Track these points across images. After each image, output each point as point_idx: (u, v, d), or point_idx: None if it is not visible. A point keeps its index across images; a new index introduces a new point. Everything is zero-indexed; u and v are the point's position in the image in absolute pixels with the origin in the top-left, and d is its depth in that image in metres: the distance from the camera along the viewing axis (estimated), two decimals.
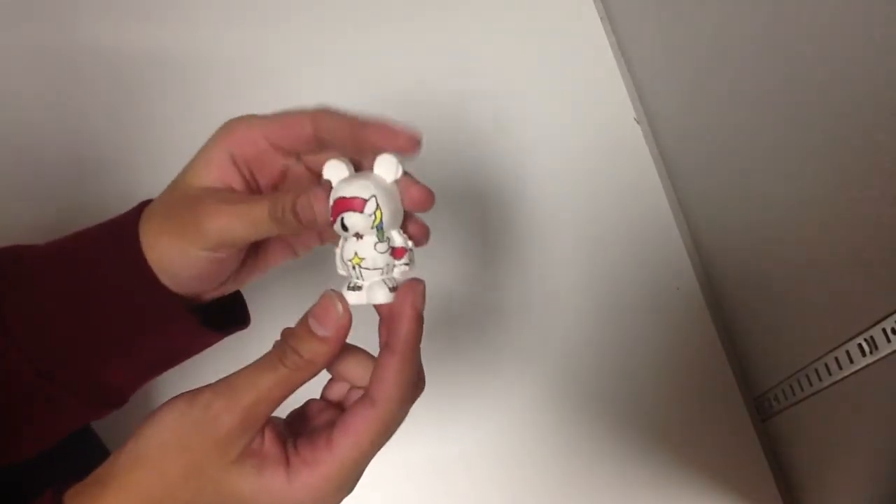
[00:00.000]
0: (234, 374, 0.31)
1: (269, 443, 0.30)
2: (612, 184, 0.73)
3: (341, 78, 0.74)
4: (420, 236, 0.34)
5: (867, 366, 0.50)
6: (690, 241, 0.73)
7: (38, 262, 0.36)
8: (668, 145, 0.75)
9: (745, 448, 0.65)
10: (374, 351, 0.33)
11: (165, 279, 0.34)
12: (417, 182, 0.32)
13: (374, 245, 0.31)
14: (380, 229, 0.31)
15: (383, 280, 0.31)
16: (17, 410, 0.35)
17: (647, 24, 0.75)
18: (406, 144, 0.31)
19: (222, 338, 0.39)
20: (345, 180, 0.31)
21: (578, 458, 0.64)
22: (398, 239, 0.32)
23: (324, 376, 0.35)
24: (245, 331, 0.40)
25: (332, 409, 0.35)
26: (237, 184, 0.34)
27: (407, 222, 0.33)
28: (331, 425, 0.31)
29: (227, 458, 0.30)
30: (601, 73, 0.78)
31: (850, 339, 0.51)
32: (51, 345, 0.35)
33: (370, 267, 0.31)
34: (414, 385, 0.32)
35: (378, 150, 0.32)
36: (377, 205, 0.30)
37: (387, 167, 0.32)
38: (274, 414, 0.31)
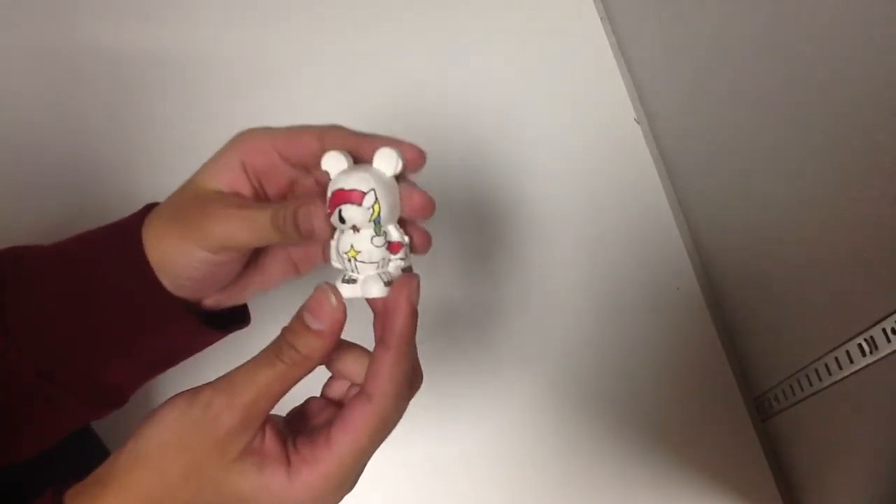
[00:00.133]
0: (232, 371, 0.31)
1: (269, 441, 0.30)
2: (612, 184, 0.73)
3: (341, 78, 0.74)
4: (422, 244, 0.34)
5: (867, 366, 0.50)
6: (690, 241, 0.73)
7: (37, 262, 0.36)
8: (668, 145, 0.75)
9: (745, 448, 0.65)
10: (372, 347, 0.33)
11: (164, 280, 0.34)
12: (418, 189, 0.33)
13: (371, 238, 0.31)
14: (377, 223, 0.31)
15: (378, 274, 0.31)
16: (17, 410, 0.35)
17: (647, 24, 0.75)
18: (411, 160, 0.32)
19: (222, 337, 0.39)
20: (344, 172, 0.31)
21: (578, 458, 0.64)
22: (395, 233, 0.32)
23: (325, 375, 0.35)
24: (245, 330, 0.40)
25: (332, 408, 0.35)
26: (245, 191, 0.34)
27: (408, 228, 0.33)
28: (330, 423, 0.31)
29: (228, 457, 0.30)
30: (601, 73, 0.78)
31: (850, 339, 0.51)
32: (51, 345, 0.35)
33: (366, 260, 0.31)
34: (410, 379, 0.32)
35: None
36: (376, 198, 0.30)
37: (386, 161, 0.32)
38: (273, 412, 0.31)
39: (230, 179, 0.34)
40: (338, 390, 0.35)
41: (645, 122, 0.77)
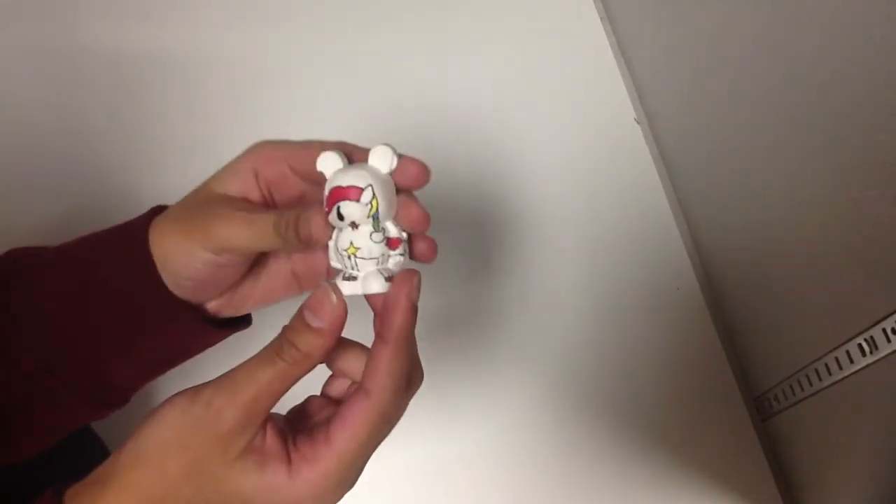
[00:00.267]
0: (233, 369, 0.31)
1: (270, 439, 0.30)
2: (612, 184, 0.73)
3: (341, 78, 0.74)
4: (428, 252, 0.34)
5: (867, 366, 0.50)
6: (690, 241, 0.73)
7: (38, 263, 0.36)
8: (668, 145, 0.75)
9: (745, 448, 0.65)
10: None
11: (165, 279, 0.34)
12: (417, 202, 0.33)
13: (370, 234, 0.31)
14: (376, 219, 0.31)
15: (379, 270, 0.31)
16: (18, 409, 0.35)
17: (647, 24, 0.75)
18: (416, 176, 0.32)
19: (224, 338, 0.39)
20: (341, 170, 0.31)
21: (578, 458, 0.64)
22: (393, 229, 0.32)
23: (325, 373, 0.35)
24: (246, 331, 0.40)
25: (333, 406, 0.35)
26: (255, 198, 0.35)
27: (415, 240, 0.33)
28: (330, 421, 0.31)
29: (230, 456, 0.30)
30: (601, 73, 0.78)
31: (850, 339, 0.51)
32: (51, 344, 0.35)
33: (366, 256, 0.31)
34: (409, 376, 0.32)
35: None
36: (373, 194, 0.30)
37: (381, 158, 0.32)
38: (273, 410, 0.31)
39: (241, 186, 0.34)
40: (338, 389, 0.35)
41: (645, 122, 0.77)
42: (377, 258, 0.31)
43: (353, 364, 0.34)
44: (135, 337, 0.36)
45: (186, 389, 0.31)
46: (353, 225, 0.31)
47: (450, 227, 0.69)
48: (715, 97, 0.64)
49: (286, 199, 0.36)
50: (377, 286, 0.31)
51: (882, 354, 0.49)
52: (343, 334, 0.31)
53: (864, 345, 0.50)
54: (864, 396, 0.52)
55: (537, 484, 0.63)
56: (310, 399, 0.35)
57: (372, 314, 0.33)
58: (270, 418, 0.31)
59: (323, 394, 0.36)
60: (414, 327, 0.31)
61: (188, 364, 0.39)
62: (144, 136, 0.69)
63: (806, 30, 0.50)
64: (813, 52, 0.49)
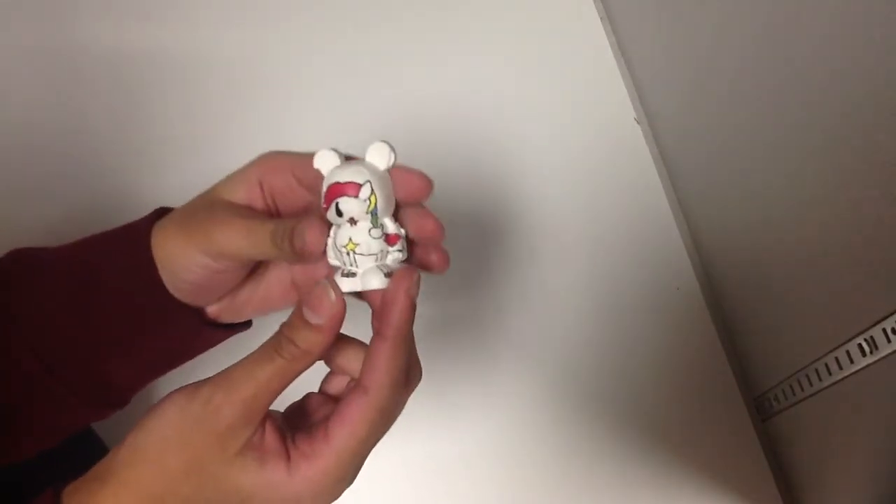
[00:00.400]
0: (231, 366, 0.31)
1: (269, 436, 0.30)
2: (612, 184, 0.73)
3: (341, 78, 0.74)
4: (441, 264, 0.34)
5: (867, 366, 0.50)
6: (690, 241, 0.73)
7: (37, 263, 0.36)
8: (668, 145, 0.75)
9: (745, 448, 0.65)
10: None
11: (165, 281, 0.35)
12: (430, 214, 0.33)
13: (369, 231, 0.31)
14: (374, 215, 0.31)
15: (378, 266, 0.31)
16: (19, 409, 0.35)
17: (647, 24, 0.75)
18: (419, 188, 0.32)
19: (224, 339, 0.39)
20: (339, 167, 0.31)
21: (578, 458, 0.64)
22: (391, 226, 0.32)
23: (323, 370, 0.35)
24: (246, 331, 0.40)
25: (331, 403, 0.35)
26: (258, 206, 0.35)
27: (429, 251, 0.33)
28: (328, 418, 0.31)
29: (229, 453, 0.30)
30: (601, 73, 0.78)
31: (850, 339, 0.51)
32: (51, 344, 0.35)
33: (365, 252, 0.31)
34: (407, 372, 0.32)
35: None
36: (372, 189, 0.30)
37: (379, 154, 0.32)
38: (272, 407, 0.31)
39: (245, 194, 0.35)
40: (337, 386, 0.35)
41: (645, 122, 0.77)
42: (376, 254, 0.31)
43: (351, 361, 0.34)
44: (135, 337, 0.36)
45: (185, 386, 0.31)
46: (352, 221, 0.31)
47: (450, 226, 0.69)
48: (715, 97, 0.64)
49: (290, 210, 0.36)
50: (376, 282, 0.31)
51: (882, 354, 0.49)
52: (341, 331, 0.31)
53: (864, 345, 0.50)
54: (864, 396, 0.52)
55: (537, 484, 0.63)
56: (308, 396, 0.35)
57: (369, 312, 0.33)
58: (269, 415, 0.31)
59: (321, 391, 0.36)
60: (412, 323, 0.31)
61: (188, 365, 0.39)
62: (144, 136, 0.69)
63: (806, 30, 0.50)
64: (813, 52, 0.49)
